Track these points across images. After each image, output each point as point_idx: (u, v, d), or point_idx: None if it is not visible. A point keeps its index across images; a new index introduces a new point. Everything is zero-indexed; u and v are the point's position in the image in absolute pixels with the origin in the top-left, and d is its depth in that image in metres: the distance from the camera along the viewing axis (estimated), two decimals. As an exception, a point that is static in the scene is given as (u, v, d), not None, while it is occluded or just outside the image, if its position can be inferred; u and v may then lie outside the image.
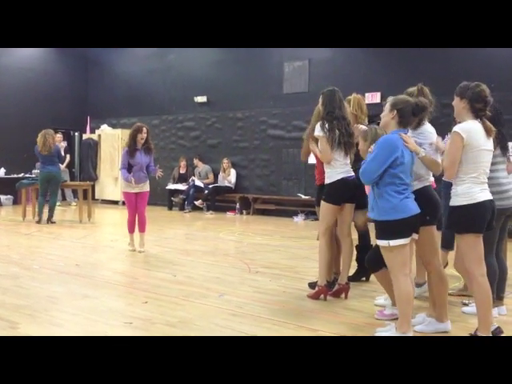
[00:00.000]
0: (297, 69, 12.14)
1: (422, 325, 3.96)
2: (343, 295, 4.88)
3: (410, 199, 3.68)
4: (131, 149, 7.15)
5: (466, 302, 4.64)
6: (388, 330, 3.78)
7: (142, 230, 7.30)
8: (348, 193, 4.79)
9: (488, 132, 3.55)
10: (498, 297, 4.43)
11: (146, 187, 7.44)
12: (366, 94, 11.01)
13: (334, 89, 4.92)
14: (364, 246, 5.55)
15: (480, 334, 3.53)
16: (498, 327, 3.69)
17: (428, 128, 4.05)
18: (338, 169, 4.78)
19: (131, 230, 7.35)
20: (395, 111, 3.71)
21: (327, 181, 4.84)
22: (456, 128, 3.47)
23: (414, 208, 3.67)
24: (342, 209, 4.87)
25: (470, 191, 3.49)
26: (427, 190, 3.91)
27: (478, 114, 3.53)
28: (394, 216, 3.60)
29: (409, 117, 3.72)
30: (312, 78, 11.87)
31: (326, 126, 4.76)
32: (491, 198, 3.59)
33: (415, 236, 3.78)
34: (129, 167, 7.24)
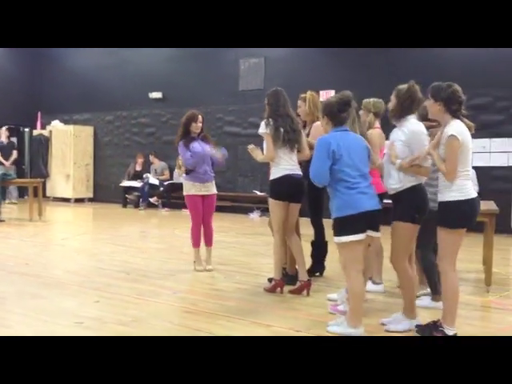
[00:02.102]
0: (252, 66, 12.15)
1: (392, 324, 3.94)
2: (305, 292, 4.87)
3: (367, 195, 3.70)
4: (187, 139, 5.84)
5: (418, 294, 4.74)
6: (339, 324, 3.83)
7: (208, 243, 5.95)
8: (292, 189, 4.80)
9: (469, 130, 3.62)
10: (439, 292, 4.54)
11: (213, 188, 5.94)
12: (321, 92, 11.11)
13: (277, 88, 4.98)
14: (319, 242, 5.60)
15: (445, 325, 3.59)
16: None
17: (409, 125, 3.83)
18: (282, 166, 4.81)
19: (196, 243, 5.87)
20: (325, 117, 3.87)
21: (271, 177, 4.89)
22: (452, 132, 3.49)
23: (367, 204, 3.68)
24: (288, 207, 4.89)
25: (463, 187, 3.54)
26: (421, 187, 3.84)
27: (455, 114, 3.59)
28: (344, 212, 3.67)
29: (337, 115, 3.82)
30: (268, 76, 11.90)
31: (271, 123, 4.80)
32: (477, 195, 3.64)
33: (373, 234, 3.82)
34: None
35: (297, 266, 5.06)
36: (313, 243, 5.63)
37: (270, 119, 4.83)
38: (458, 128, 3.53)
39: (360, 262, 3.74)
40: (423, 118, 4.04)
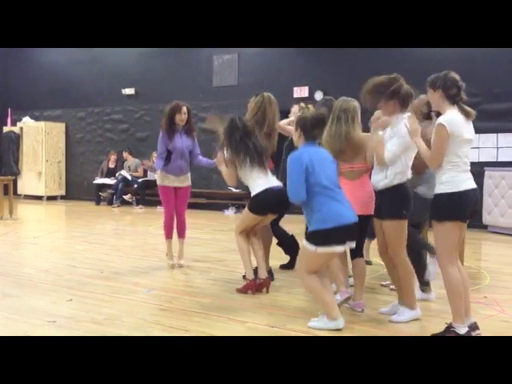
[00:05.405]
0: (226, 62, 12.11)
1: (396, 315, 4.03)
2: (264, 289, 4.83)
3: (345, 205, 3.77)
4: (169, 130, 5.66)
5: (392, 286, 4.80)
6: (320, 320, 3.86)
7: (180, 235, 6.00)
8: (276, 204, 4.70)
9: (467, 116, 3.53)
10: (426, 282, 4.63)
11: (187, 181, 5.92)
12: (295, 88, 11.17)
13: (233, 119, 4.78)
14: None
15: (455, 324, 3.50)
16: (475, 322, 3.64)
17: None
18: (258, 181, 4.70)
19: (168, 235, 5.92)
20: (298, 129, 3.92)
21: (252, 193, 4.73)
22: (440, 120, 3.46)
23: (347, 216, 3.73)
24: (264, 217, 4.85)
25: (454, 179, 3.45)
26: (405, 186, 3.91)
27: (454, 99, 3.52)
28: (327, 224, 3.69)
29: (310, 131, 3.89)
30: (241, 72, 11.88)
31: (232, 152, 4.74)
32: (475, 186, 3.54)
33: (350, 244, 3.86)
34: (167, 156, 5.74)
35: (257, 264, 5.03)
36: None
37: (231, 150, 4.75)
38: (448, 117, 3.45)
39: (322, 267, 3.89)
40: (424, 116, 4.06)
